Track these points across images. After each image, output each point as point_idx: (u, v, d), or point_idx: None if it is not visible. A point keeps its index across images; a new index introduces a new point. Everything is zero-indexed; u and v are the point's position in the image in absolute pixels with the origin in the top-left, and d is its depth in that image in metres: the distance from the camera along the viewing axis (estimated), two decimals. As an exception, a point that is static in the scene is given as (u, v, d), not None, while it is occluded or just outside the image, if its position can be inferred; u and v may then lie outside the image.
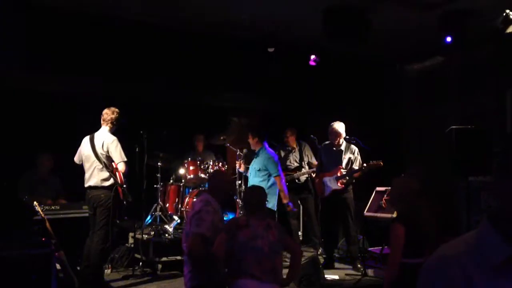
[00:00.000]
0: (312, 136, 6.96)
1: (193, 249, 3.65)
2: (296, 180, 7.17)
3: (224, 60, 7.49)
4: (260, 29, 7.11)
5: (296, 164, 7.30)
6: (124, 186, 5.16)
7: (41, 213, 4.79)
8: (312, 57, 7.53)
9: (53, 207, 5.61)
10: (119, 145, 5.14)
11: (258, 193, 3.96)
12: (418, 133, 8.86)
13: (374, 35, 6.41)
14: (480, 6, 6.07)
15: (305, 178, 7.21)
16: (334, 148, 6.39)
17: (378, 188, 6.88)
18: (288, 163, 7.31)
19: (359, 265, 6.16)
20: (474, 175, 5.75)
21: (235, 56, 7.53)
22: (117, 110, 5.30)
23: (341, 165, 6.29)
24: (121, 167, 5.11)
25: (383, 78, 8.76)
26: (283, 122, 8.29)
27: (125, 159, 5.14)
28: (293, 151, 7.34)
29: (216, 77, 7.66)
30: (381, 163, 6.04)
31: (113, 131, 5.29)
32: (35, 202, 4.90)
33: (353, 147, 6.36)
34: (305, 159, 7.28)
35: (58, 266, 4.39)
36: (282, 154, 7.36)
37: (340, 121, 6.46)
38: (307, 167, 7.22)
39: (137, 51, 6.91)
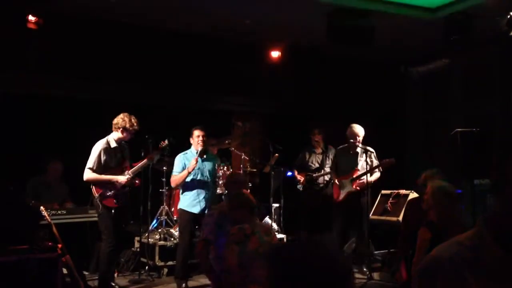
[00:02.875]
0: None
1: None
2: (316, 182, 7.10)
3: (230, 64, 7.52)
4: (264, 33, 7.14)
5: (317, 165, 7.21)
6: (99, 199, 5.04)
7: (48, 217, 4.81)
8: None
9: (59, 212, 5.63)
10: (96, 152, 5.06)
11: (248, 196, 3.87)
12: (422, 136, 8.84)
13: (378, 38, 6.41)
14: (485, 9, 6.06)
15: (323, 181, 7.08)
16: (351, 151, 6.34)
17: (383, 191, 6.87)
18: (310, 163, 7.27)
19: (364, 269, 6.14)
20: (479, 178, 5.73)
21: (239, 60, 7.55)
22: (122, 116, 5.25)
23: (357, 167, 6.22)
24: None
25: (388, 80, 8.75)
26: (288, 126, 8.31)
27: (90, 166, 5.02)
28: (318, 152, 7.25)
29: (221, 81, 7.68)
30: (394, 160, 6.00)
31: (126, 137, 5.25)
32: (41, 207, 4.93)
33: (371, 150, 6.21)
34: (328, 162, 7.13)
35: (64, 271, 4.41)
36: (307, 155, 7.33)
37: (345, 124, 6.43)
38: (327, 169, 7.11)
39: (143, 55, 6.95)
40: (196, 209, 5.53)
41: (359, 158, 6.24)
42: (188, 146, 5.86)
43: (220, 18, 6.65)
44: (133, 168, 5.30)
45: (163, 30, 6.99)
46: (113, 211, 5.09)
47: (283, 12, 6.34)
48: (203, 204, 5.56)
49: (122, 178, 5.13)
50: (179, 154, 5.71)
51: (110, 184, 5.10)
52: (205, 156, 5.68)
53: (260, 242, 3.52)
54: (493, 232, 1.17)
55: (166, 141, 5.57)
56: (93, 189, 5.07)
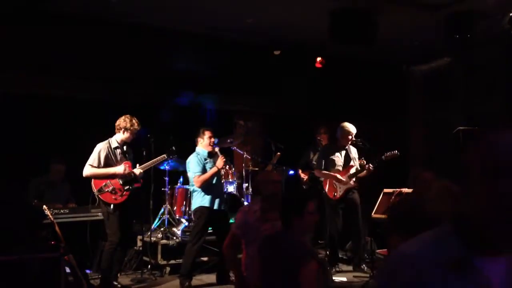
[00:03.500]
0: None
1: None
2: (319, 180, 7.11)
3: (231, 63, 7.52)
4: (266, 32, 7.13)
5: None
6: (97, 194, 5.15)
7: (50, 216, 4.83)
8: (318, 59, 7.54)
9: (62, 211, 5.65)
10: (97, 150, 5.20)
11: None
12: (424, 134, 8.84)
13: (380, 37, 6.41)
14: (487, 7, 6.05)
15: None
16: (341, 149, 6.41)
17: (385, 190, 6.85)
18: (314, 162, 7.29)
19: (366, 267, 6.16)
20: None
21: (241, 60, 7.55)
22: (123, 117, 5.33)
23: (352, 163, 6.32)
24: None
25: (389, 79, 8.75)
26: (289, 125, 8.31)
27: (90, 162, 5.15)
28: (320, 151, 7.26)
29: (222, 80, 7.68)
30: (397, 152, 6.06)
31: (129, 137, 5.33)
32: (44, 206, 4.95)
33: (354, 148, 6.43)
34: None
35: (67, 270, 4.42)
36: (311, 154, 7.34)
37: (348, 122, 6.46)
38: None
39: (143, 55, 6.95)
40: (215, 206, 5.62)
41: (351, 155, 6.35)
42: (191, 145, 5.88)
43: (222, 18, 6.65)
44: (144, 165, 5.44)
45: (163, 30, 6.99)
46: (115, 208, 5.12)
47: (285, 11, 6.34)
48: (220, 201, 5.66)
49: (119, 169, 5.20)
50: (193, 156, 5.74)
51: (110, 178, 5.18)
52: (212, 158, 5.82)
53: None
54: (457, 229, 1.16)
55: (173, 147, 5.75)
56: (92, 183, 5.16)
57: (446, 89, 8.38)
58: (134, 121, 5.31)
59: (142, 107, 6.81)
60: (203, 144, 5.77)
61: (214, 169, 5.63)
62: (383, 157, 6.21)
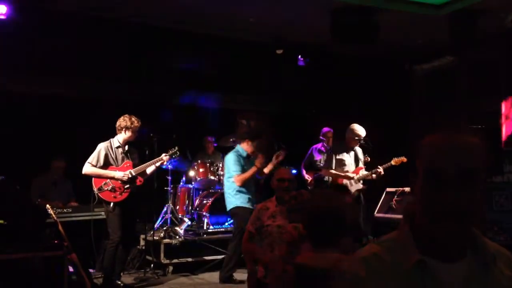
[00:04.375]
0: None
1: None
2: (324, 181, 7.12)
3: (233, 62, 7.52)
4: (269, 32, 7.13)
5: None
6: (97, 192, 5.16)
7: (54, 216, 4.84)
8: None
9: (65, 210, 5.66)
10: (97, 149, 5.22)
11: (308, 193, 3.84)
12: (427, 133, 8.81)
13: (382, 35, 6.40)
14: (490, 6, 6.04)
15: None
16: (350, 150, 6.37)
17: (388, 189, 6.86)
18: (318, 162, 7.31)
19: None
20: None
21: (244, 59, 7.55)
22: (122, 117, 5.32)
23: (360, 166, 6.30)
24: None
25: (392, 78, 8.73)
26: (292, 124, 8.30)
27: (89, 160, 5.16)
28: (327, 152, 7.26)
29: (225, 79, 7.68)
30: (405, 159, 6.06)
31: (131, 136, 5.32)
32: (47, 205, 4.97)
33: (358, 148, 6.39)
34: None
35: (70, 269, 4.43)
36: (315, 155, 7.35)
37: (349, 121, 6.44)
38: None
39: (145, 55, 6.96)
40: (250, 205, 5.50)
41: (359, 156, 6.34)
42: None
43: (224, 17, 6.65)
44: (137, 167, 5.35)
45: (164, 29, 6.99)
46: (114, 206, 5.13)
47: (287, 10, 6.33)
48: (254, 200, 5.55)
49: (119, 174, 5.20)
50: (232, 154, 5.68)
51: (110, 180, 5.18)
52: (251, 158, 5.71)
53: None
54: (414, 233, 1.15)
55: (176, 148, 5.67)
56: (93, 182, 5.19)
57: (448, 87, 8.36)
58: (133, 119, 5.31)
59: (144, 106, 6.82)
60: (249, 147, 5.70)
61: (254, 169, 5.47)
62: (392, 162, 6.20)
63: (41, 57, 6.43)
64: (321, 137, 7.37)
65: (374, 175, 6.21)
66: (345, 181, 6.31)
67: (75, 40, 6.49)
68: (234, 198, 5.54)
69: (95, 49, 6.63)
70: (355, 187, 6.25)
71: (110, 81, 7.13)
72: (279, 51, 7.51)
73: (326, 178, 7.00)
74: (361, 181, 6.24)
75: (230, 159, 5.62)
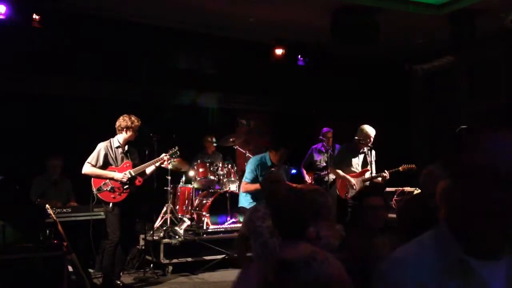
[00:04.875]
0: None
1: None
2: (324, 181, 7.11)
3: (233, 62, 7.52)
4: (268, 31, 7.13)
5: (324, 164, 7.27)
6: (96, 193, 5.15)
7: (53, 215, 4.84)
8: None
9: (64, 210, 5.66)
10: (97, 149, 5.22)
11: (319, 194, 3.39)
12: (427, 134, 8.82)
13: (382, 35, 6.40)
14: (490, 6, 6.04)
15: (332, 179, 7.08)
16: (360, 150, 6.34)
17: (388, 189, 6.85)
18: (318, 163, 7.31)
19: None
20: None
21: (243, 58, 7.55)
22: (122, 117, 5.31)
23: (368, 167, 6.25)
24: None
25: (392, 78, 8.74)
26: (291, 123, 8.30)
27: (89, 160, 5.16)
28: (327, 152, 7.26)
29: (224, 79, 7.69)
30: (414, 166, 6.02)
31: (131, 136, 5.31)
32: (47, 205, 4.97)
33: (373, 151, 6.26)
34: None
35: (70, 268, 4.43)
36: (315, 155, 7.35)
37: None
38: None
39: (145, 55, 6.96)
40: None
41: (368, 158, 6.25)
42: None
43: (224, 17, 6.65)
44: (137, 167, 5.34)
45: (164, 29, 6.99)
46: (113, 206, 5.13)
47: (287, 10, 6.33)
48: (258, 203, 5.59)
49: (118, 175, 5.19)
50: (254, 159, 5.72)
51: (109, 180, 5.18)
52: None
53: (328, 248, 2.98)
54: (454, 232, 1.14)
55: (176, 148, 5.66)
56: (92, 182, 5.19)
57: (448, 87, 8.37)
58: (133, 118, 5.31)
59: (144, 106, 6.83)
60: (274, 156, 5.67)
61: (258, 186, 5.43)
62: (399, 168, 6.18)
63: (41, 57, 6.42)
64: (321, 137, 7.37)
65: (379, 179, 6.18)
66: (352, 180, 6.29)
67: (75, 40, 6.49)
68: (243, 198, 5.73)
69: (95, 49, 6.63)
70: (357, 188, 6.22)
71: (110, 81, 7.12)
72: (279, 51, 7.51)
73: (326, 178, 6.99)
74: (366, 184, 6.18)
75: (251, 163, 5.74)
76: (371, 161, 6.19)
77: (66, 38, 6.42)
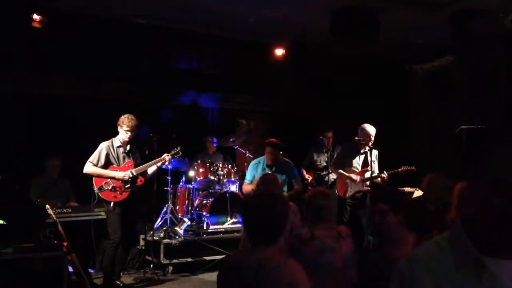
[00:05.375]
0: (357, 138, 6.41)
1: None
2: (324, 181, 7.13)
3: (233, 62, 7.52)
4: (268, 31, 7.13)
5: (324, 164, 7.29)
6: (97, 192, 5.16)
7: (53, 216, 4.84)
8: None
9: (65, 210, 5.66)
10: (99, 148, 5.23)
11: (322, 196, 3.32)
12: (427, 133, 8.82)
13: (382, 35, 6.40)
14: (490, 6, 6.04)
15: (333, 180, 7.08)
16: (360, 150, 6.32)
17: (387, 189, 6.85)
18: (318, 162, 7.33)
19: None
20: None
21: (243, 58, 7.55)
22: (122, 117, 5.29)
23: (369, 167, 6.23)
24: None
25: (392, 78, 8.74)
26: (291, 123, 8.30)
27: (90, 160, 5.16)
28: (327, 152, 7.27)
29: (224, 79, 7.68)
30: (414, 168, 6.02)
31: (130, 136, 5.28)
32: (47, 205, 4.97)
33: (375, 151, 6.22)
34: None
35: (70, 269, 4.43)
36: (315, 155, 7.37)
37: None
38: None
39: (144, 54, 6.96)
40: None
41: (369, 158, 6.23)
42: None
43: (224, 16, 6.65)
44: (139, 167, 5.34)
45: (164, 29, 6.99)
46: (114, 206, 5.13)
47: (287, 9, 6.33)
48: None
49: (119, 174, 5.20)
50: (254, 160, 6.06)
51: (111, 179, 5.19)
52: (274, 169, 5.86)
53: (320, 249, 3.03)
54: (470, 234, 1.17)
55: (178, 148, 5.64)
56: (94, 181, 5.19)
57: (448, 87, 8.37)
58: (130, 118, 5.27)
59: (144, 106, 6.83)
60: (267, 156, 5.91)
61: (254, 187, 5.64)
62: (399, 169, 6.16)
63: (40, 57, 6.42)
64: (320, 137, 7.36)
65: (379, 179, 6.16)
66: (347, 181, 6.29)
67: (75, 40, 6.49)
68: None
69: (95, 49, 6.62)
70: (356, 187, 6.21)
71: (110, 81, 7.12)
72: (279, 51, 7.50)
73: (326, 178, 6.99)
74: (367, 183, 6.17)
75: (250, 165, 6.04)
76: (372, 161, 6.16)
77: (66, 38, 6.41)
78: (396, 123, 8.76)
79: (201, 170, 6.95)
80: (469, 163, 5.37)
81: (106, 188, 5.18)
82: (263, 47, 7.62)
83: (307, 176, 7.33)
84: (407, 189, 6.57)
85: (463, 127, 5.53)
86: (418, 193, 5.98)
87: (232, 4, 6.23)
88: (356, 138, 6.16)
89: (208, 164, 6.97)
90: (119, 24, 6.70)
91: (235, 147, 7.58)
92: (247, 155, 7.33)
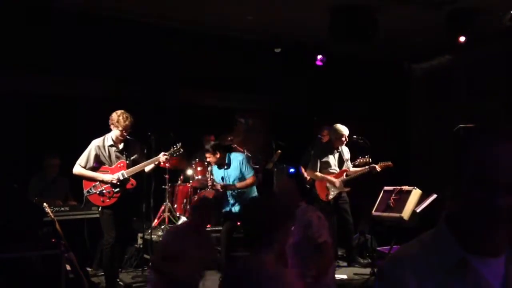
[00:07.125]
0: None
1: None
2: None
3: (232, 61, 7.51)
4: (266, 30, 7.12)
5: None
6: (85, 194, 5.00)
7: (51, 214, 4.83)
8: (319, 57, 7.54)
9: (62, 209, 5.66)
10: (87, 150, 5.02)
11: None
12: (425, 132, 8.82)
13: (381, 34, 6.39)
14: (488, 4, 6.03)
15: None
16: (335, 151, 6.40)
17: (386, 188, 6.85)
18: None
19: (362, 260, 6.24)
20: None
21: (242, 57, 7.54)
22: (118, 113, 5.09)
23: (347, 168, 6.33)
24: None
25: (391, 77, 8.73)
26: (290, 122, 8.30)
27: (79, 161, 4.96)
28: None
29: (223, 78, 7.67)
30: (391, 163, 6.10)
31: (122, 134, 5.07)
32: (45, 204, 4.95)
33: (346, 148, 6.44)
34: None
35: (68, 267, 4.43)
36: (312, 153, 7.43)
37: (347, 121, 6.45)
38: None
39: (144, 52, 6.95)
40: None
41: (344, 157, 6.35)
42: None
43: (222, 15, 6.64)
44: (131, 168, 5.08)
45: (163, 27, 6.98)
46: (103, 209, 5.03)
47: (285, 8, 6.32)
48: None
49: (107, 178, 4.95)
50: (246, 158, 6.38)
51: (99, 182, 4.97)
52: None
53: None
54: (454, 231, 1.16)
55: (179, 145, 5.47)
56: (83, 184, 5.04)
57: (447, 87, 8.36)
58: (126, 116, 5.01)
59: (143, 105, 6.82)
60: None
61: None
62: (377, 167, 6.22)
63: (40, 56, 6.41)
64: (319, 136, 7.38)
65: (368, 168, 6.21)
66: (327, 184, 6.35)
67: (75, 40, 6.47)
68: (254, 193, 6.21)
69: (95, 49, 6.61)
70: (337, 190, 6.28)
71: (110, 81, 7.11)
72: (277, 50, 7.50)
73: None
74: (344, 184, 6.30)
75: (246, 162, 6.31)
76: (346, 159, 6.31)
77: (66, 38, 6.39)
78: (395, 122, 8.76)
79: (199, 168, 6.96)
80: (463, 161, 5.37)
81: (94, 191, 4.95)
82: (262, 45, 7.61)
83: (306, 174, 7.33)
84: (405, 187, 6.56)
85: (461, 125, 5.51)
86: (416, 191, 5.97)
87: (230, 2, 6.22)
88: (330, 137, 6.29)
89: (206, 163, 6.96)
90: (120, 24, 6.68)
91: (233, 146, 7.57)
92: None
